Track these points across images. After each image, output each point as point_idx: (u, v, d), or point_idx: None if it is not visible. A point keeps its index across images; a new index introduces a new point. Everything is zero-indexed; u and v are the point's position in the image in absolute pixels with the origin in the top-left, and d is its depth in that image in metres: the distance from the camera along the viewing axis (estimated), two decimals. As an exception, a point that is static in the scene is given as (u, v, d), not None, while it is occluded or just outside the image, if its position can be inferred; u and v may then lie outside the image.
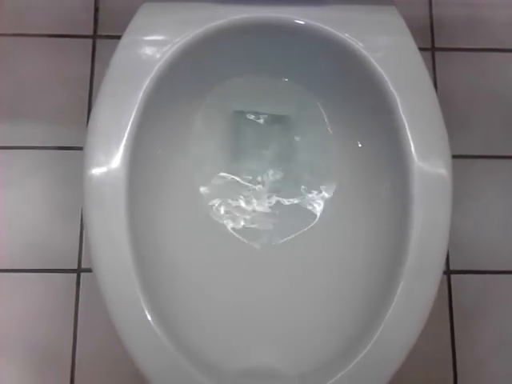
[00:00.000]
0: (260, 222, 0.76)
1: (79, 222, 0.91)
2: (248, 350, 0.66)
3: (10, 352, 0.87)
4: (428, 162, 0.62)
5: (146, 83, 0.63)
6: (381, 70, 0.65)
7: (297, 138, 0.78)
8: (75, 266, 0.90)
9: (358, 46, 0.66)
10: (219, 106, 0.78)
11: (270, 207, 0.76)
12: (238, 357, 0.65)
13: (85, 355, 0.87)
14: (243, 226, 0.75)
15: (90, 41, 0.98)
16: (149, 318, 0.58)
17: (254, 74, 0.77)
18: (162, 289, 0.64)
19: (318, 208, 0.76)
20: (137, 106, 0.63)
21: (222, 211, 0.75)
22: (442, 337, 0.90)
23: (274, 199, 0.77)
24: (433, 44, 1.00)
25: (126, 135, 0.62)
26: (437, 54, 1.00)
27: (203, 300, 0.70)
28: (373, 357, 0.58)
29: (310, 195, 0.76)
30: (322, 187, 0.76)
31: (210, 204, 0.75)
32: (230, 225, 0.75)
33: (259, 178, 0.77)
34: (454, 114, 0.97)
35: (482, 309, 0.91)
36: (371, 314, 0.61)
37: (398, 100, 0.64)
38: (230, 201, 0.76)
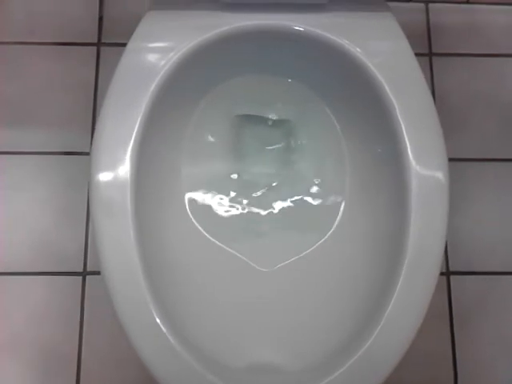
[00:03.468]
0: (262, 230, 0.76)
1: (85, 226, 0.92)
2: (251, 349, 0.67)
3: (16, 354, 0.87)
4: (425, 164, 0.63)
5: (152, 89, 0.64)
6: (378, 75, 0.66)
7: (299, 142, 0.79)
8: (81, 269, 0.91)
9: (356, 51, 0.67)
10: (224, 109, 0.79)
11: (273, 213, 0.77)
12: (242, 354, 0.66)
13: (90, 357, 0.88)
14: (246, 237, 0.75)
15: (94, 48, 0.99)
16: (157, 320, 0.58)
17: (256, 78, 0.78)
18: (168, 291, 0.65)
19: (319, 211, 0.77)
20: (142, 111, 0.63)
21: (227, 216, 0.76)
22: (442, 337, 0.90)
23: (278, 204, 0.77)
24: (430, 49, 1.01)
25: (132, 140, 0.63)
26: (434, 59, 1.01)
27: (208, 301, 0.71)
28: (371, 355, 0.59)
29: (312, 200, 0.77)
30: (323, 191, 0.77)
31: (215, 209, 0.76)
32: (233, 235, 0.75)
33: (263, 182, 0.78)
34: (451, 118, 0.98)
35: (481, 309, 0.91)
36: (370, 313, 0.62)
37: (395, 104, 0.65)
38: (234, 207, 0.77)
